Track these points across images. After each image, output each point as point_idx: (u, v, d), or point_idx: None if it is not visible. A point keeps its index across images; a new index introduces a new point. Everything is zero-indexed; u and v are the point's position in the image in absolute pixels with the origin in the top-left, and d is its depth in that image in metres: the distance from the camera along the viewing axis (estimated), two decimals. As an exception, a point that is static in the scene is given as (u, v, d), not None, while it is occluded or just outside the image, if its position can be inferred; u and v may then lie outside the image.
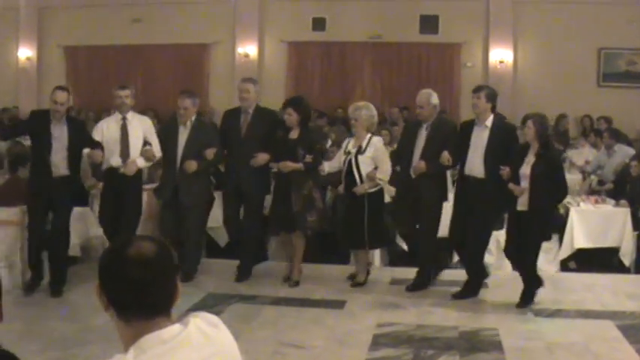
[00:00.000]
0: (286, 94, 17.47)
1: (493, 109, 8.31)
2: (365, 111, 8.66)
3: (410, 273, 8.82)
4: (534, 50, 17.45)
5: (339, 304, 8.18)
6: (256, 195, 9.07)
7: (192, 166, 8.82)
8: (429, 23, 17.63)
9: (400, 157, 8.95)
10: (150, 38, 18.51)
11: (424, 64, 17.90)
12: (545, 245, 9.39)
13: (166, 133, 9.18)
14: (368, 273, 8.93)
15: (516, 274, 9.27)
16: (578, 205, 10.37)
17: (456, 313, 7.85)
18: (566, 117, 15.81)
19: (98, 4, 18.79)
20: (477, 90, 8.39)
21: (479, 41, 17.67)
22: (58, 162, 8.16)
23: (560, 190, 8.07)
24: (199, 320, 2.28)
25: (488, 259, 9.43)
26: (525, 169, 7.87)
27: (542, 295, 8.25)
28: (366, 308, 8.06)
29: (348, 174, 8.65)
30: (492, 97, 8.27)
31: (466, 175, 8.33)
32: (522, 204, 7.89)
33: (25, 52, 19.45)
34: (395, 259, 10.07)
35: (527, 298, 8.07)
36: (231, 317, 7.32)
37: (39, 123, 8.22)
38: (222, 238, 10.32)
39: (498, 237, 9.38)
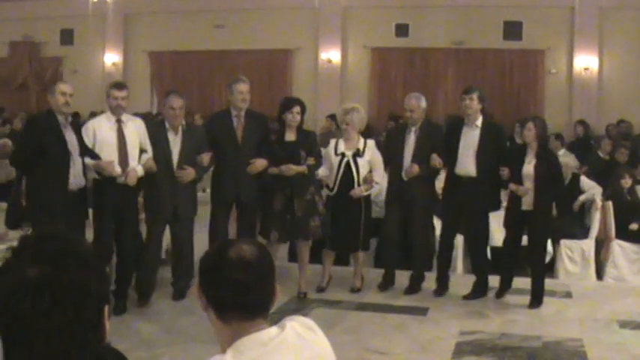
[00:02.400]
0: (369, 100, 18.33)
1: (482, 110, 8.74)
2: (357, 114, 8.80)
3: (491, 280, 8.89)
4: (621, 57, 17.51)
5: (422, 311, 8.32)
6: (253, 204, 8.90)
7: (190, 174, 8.44)
8: (513, 29, 17.96)
9: (389, 160, 9.05)
10: (233, 44, 19.44)
11: (507, 70, 18.21)
12: (631, 256, 9.92)
13: (154, 139, 8.33)
14: (362, 277, 9.16)
15: (601, 283, 9.83)
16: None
17: (539, 323, 7.91)
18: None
19: (182, 10, 19.92)
20: (468, 91, 8.70)
21: (563, 47, 17.90)
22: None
23: (559, 189, 8.74)
24: (296, 324, 2.41)
25: (573, 268, 9.95)
26: (528, 170, 8.31)
27: (628, 307, 8.47)
28: (449, 315, 8.16)
29: (344, 176, 8.75)
30: (483, 98, 8.67)
31: (458, 175, 8.69)
32: (527, 204, 8.33)
33: (111, 58, 20.86)
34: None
35: (539, 298, 8.48)
36: (314, 322, 7.57)
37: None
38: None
39: (582, 246, 9.93)
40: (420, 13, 18.40)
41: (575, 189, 10.51)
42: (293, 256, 9.75)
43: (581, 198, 10.48)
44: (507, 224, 8.70)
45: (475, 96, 8.58)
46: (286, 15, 19.25)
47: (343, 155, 8.76)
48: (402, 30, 18.61)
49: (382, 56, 18.91)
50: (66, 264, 1.70)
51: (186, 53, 20.02)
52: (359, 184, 8.72)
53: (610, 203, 10.16)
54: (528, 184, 8.32)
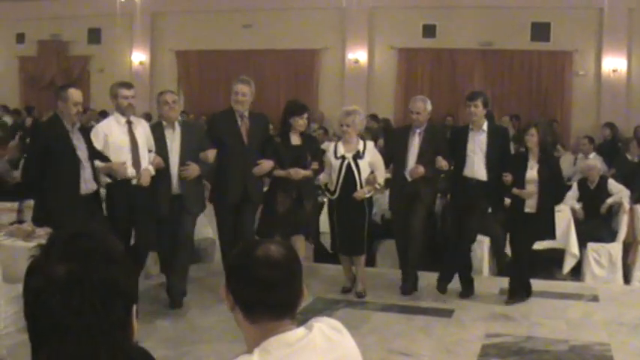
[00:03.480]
0: (396, 101, 18.37)
1: (486, 114, 8.89)
2: (358, 116, 8.83)
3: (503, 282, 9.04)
4: (650, 59, 17.74)
5: (447, 313, 8.35)
6: (257, 205, 8.89)
7: (195, 170, 8.34)
8: (541, 31, 17.87)
9: (392, 161, 9.17)
10: (260, 43, 19.50)
11: (535, 72, 18.13)
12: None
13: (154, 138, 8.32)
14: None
15: (628, 287, 9.84)
16: None
17: (566, 326, 7.91)
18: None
19: (209, 9, 20.00)
20: (473, 98, 8.75)
21: (591, 49, 17.78)
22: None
23: (561, 192, 8.95)
24: (323, 325, 2.40)
25: (600, 272, 9.95)
26: (531, 175, 8.43)
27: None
28: (475, 318, 8.18)
29: (345, 179, 8.73)
30: (487, 102, 8.81)
31: (466, 177, 8.76)
32: (530, 206, 8.46)
33: (139, 57, 21.02)
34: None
35: (513, 293, 8.68)
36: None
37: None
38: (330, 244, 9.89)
39: (610, 250, 9.91)
40: (447, 13, 18.36)
41: (603, 192, 10.47)
42: (319, 257, 9.91)
43: (609, 201, 10.42)
44: (508, 225, 8.89)
45: (480, 102, 8.66)
46: (313, 15, 19.30)
47: (343, 158, 8.75)
48: (429, 30, 18.60)
49: (409, 57, 18.92)
50: (95, 262, 1.71)
51: (213, 53, 20.13)
52: (361, 186, 8.72)
53: (638, 207, 10.14)
54: (532, 188, 8.43)
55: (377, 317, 8.17)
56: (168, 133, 8.34)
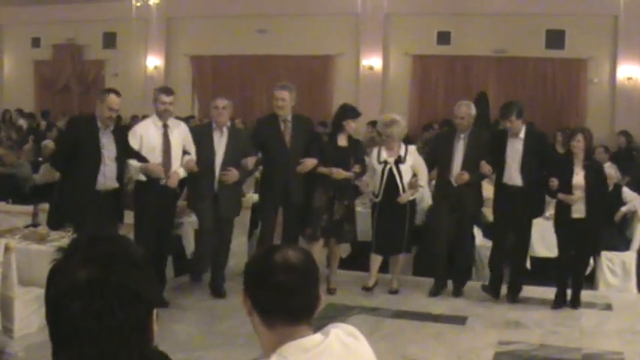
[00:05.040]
0: (410, 107, 18.38)
1: (523, 122, 8.90)
2: (396, 127, 8.99)
3: (531, 291, 9.10)
4: (665, 67, 17.45)
5: (460, 320, 8.33)
6: (300, 204, 9.01)
7: (234, 176, 8.60)
8: (555, 38, 17.92)
9: (437, 166, 9.32)
10: (274, 49, 19.55)
11: (549, 79, 18.18)
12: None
13: (199, 139, 8.63)
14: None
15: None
16: None
17: (579, 335, 7.88)
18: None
19: (224, 14, 20.10)
20: (505, 115, 8.77)
21: (606, 57, 17.81)
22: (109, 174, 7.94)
23: (608, 198, 9.14)
24: (339, 331, 2.40)
25: (613, 281, 9.85)
26: (578, 180, 8.49)
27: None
28: (488, 325, 8.16)
29: (387, 183, 8.94)
30: (521, 112, 8.76)
31: (506, 184, 8.84)
32: (578, 211, 8.49)
33: (154, 61, 21.13)
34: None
35: (579, 301, 8.76)
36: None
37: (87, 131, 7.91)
38: (343, 249, 9.89)
39: (624, 258, 9.86)
40: (462, 20, 18.42)
41: (617, 200, 10.43)
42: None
43: (623, 209, 10.38)
44: (557, 232, 8.85)
45: (513, 117, 8.68)
46: (328, 21, 19.36)
47: (386, 163, 8.96)
48: (443, 37, 18.67)
49: (423, 64, 18.98)
50: (116, 267, 1.73)
51: (228, 58, 20.23)
52: (403, 190, 8.93)
53: (652, 215, 10.09)
54: (579, 194, 8.48)
55: (390, 324, 8.17)
56: (216, 135, 8.66)
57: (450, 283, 9.29)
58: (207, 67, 20.68)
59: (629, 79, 17.47)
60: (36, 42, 22.34)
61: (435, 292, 9.19)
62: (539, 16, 17.82)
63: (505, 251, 9.10)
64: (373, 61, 19.07)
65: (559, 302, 8.76)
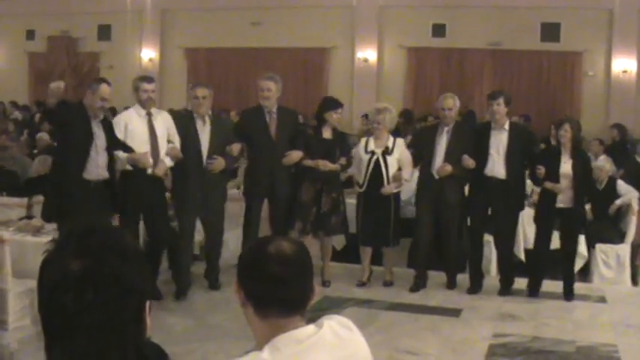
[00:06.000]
0: (405, 100, 18.39)
1: (508, 113, 9.00)
2: (389, 114, 9.05)
3: (525, 283, 9.01)
4: (661, 60, 17.43)
5: (454, 313, 8.33)
6: (287, 196, 9.02)
7: (220, 164, 8.54)
8: (551, 31, 17.97)
9: (420, 159, 9.23)
10: (269, 41, 19.53)
11: (544, 72, 18.24)
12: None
13: (182, 129, 8.48)
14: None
15: (636, 289, 9.81)
16: None
17: (573, 327, 7.90)
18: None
19: (219, 7, 20.08)
20: (494, 96, 8.83)
21: (601, 50, 17.87)
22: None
23: (593, 188, 9.35)
24: (333, 322, 2.40)
25: (608, 273, 9.87)
26: (566, 169, 8.54)
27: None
28: (482, 317, 8.16)
29: (373, 173, 8.93)
30: (509, 101, 8.86)
31: (487, 176, 8.80)
32: (564, 201, 8.57)
33: (148, 54, 21.12)
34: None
35: (572, 292, 8.83)
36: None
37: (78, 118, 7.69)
38: (338, 242, 10.07)
39: (618, 251, 9.88)
40: (457, 13, 18.44)
41: (612, 193, 10.43)
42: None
43: (618, 202, 10.38)
44: (538, 220, 8.89)
45: (502, 100, 8.75)
46: (323, 13, 19.34)
47: (373, 153, 8.95)
48: (438, 30, 18.68)
49: (418, 56, 18.99)
50: (109, 258, 1.72)
51: (223, 50, 20.21)
52: (388, 182, 8.91)
53: (647, 207, 10.10)
54: (566, 183, 8.53)
55: (384, 316, 8.17)
56: (198, 125, 8.54)
57: (438, 277, 9.27)
58: (201, 60, 20.64)
59: (624, 72, 17.52)
60: (30, 34, 22.24)
61: (416, 288, 9.11)
62: (535, 9, 17.87)
63: (482, 253, 9.19)
64: (368, 53, 19.07)
65: (533, 292, 8.85)
